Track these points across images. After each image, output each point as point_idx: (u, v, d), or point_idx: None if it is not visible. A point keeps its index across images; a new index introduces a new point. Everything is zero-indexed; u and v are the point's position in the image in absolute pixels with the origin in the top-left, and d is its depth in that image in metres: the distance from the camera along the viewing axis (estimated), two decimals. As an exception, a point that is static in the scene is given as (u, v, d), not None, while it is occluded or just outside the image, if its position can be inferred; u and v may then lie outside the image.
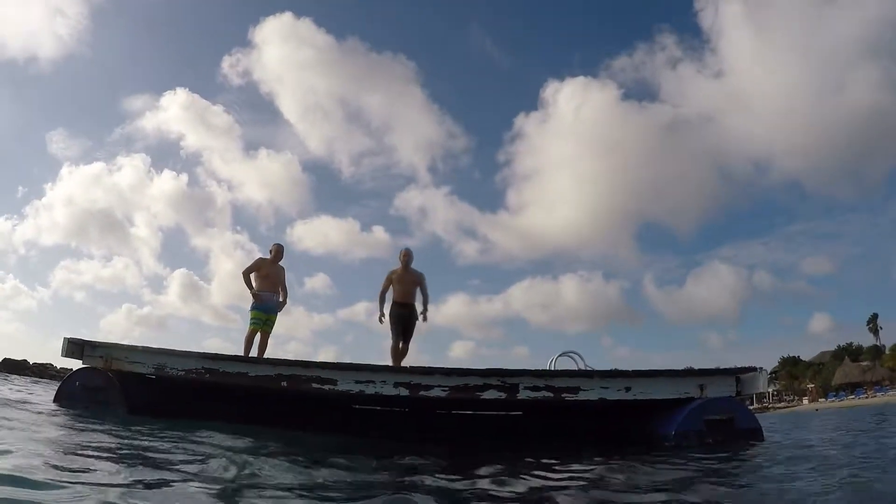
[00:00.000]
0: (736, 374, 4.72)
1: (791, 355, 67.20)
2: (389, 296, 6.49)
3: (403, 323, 6.46)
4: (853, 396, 45.06)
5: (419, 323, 6.52)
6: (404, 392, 4.36)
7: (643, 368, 4.70)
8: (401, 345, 6.38)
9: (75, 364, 5.66)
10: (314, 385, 4.48)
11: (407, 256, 6.66)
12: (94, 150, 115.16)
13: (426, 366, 4.48)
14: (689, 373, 4.67)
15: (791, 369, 64.23)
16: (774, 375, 64.87)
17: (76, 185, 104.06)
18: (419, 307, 6.56)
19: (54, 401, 5.49)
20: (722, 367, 4.93)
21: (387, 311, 6.38)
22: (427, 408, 4.64)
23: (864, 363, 55.26)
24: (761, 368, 4.87)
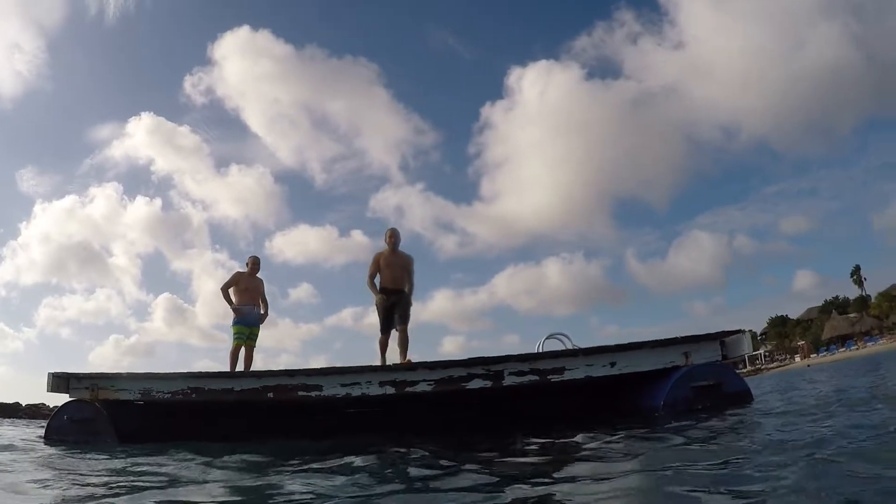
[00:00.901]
0: (720, 338, 4.74)
1: (779, 315, 67.89)
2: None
3: (393, 310, 5.97)
4: (844, 349, 45.55)
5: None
6: (391, 390, 4.35)
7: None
8: (398, 330, 5.86)
9: (64, 398, 5.61)
10: (300, 393, 4.47)
11: (394, 237, 6.21)
12: (65, 183, 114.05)
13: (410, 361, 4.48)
14: (672, 342, 4.68)
15: (780, 329, 64.89)
16: (764, 336, 65.51)
17: (51, 221, 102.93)
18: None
19: (44, 437, 5.43)
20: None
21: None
22: (415, 403, 4.62)
23: (852, 315, 55.79)
24: (745, 330, 4.89)
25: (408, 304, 6.01)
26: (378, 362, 5.68)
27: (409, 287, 6.10)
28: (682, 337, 4.71)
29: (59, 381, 5.49)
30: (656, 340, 4.67)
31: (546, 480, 2.07)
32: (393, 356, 5.74)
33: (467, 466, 2.51)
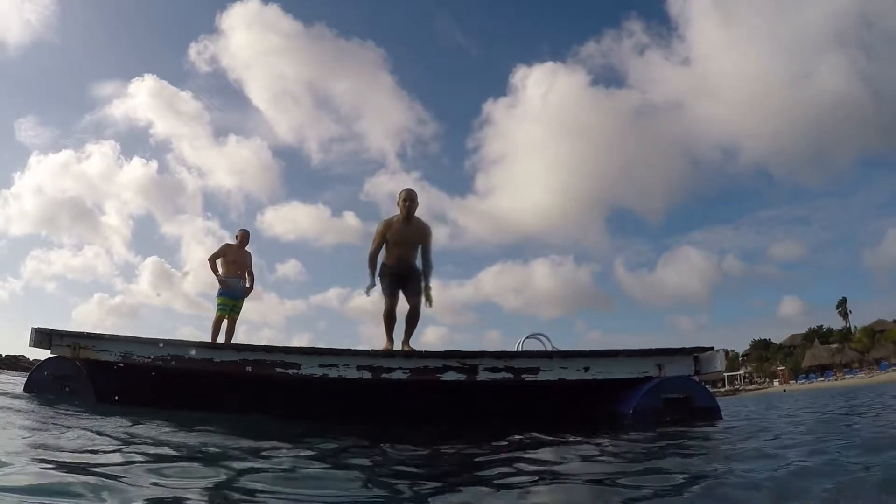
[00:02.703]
0: (693, 353, 4.82)
1: (762, 338, 68.50)
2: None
3: (401, 281, 5.12)
4: (822, 378, 45.96)
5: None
6: (367, 375, 4.43)
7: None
8: (408, 303, 5.17)
9: (46, 354, 5.68)
10: (278, 370, 4.54)
11: (409, 201, 4.98)
12: (63, 137, 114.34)
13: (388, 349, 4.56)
14: (647, 352, 4.76)
15: (762, 352, 65.48)
16: (745, 358, 66.00)
17: (45, 174, 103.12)
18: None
19: (24, 390, 5.52)
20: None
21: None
22: (389, 389, 4.70)
23: (834, 345, 56.32)
24: (718, 348, 4.98)
25: (419, 281, 5.23)
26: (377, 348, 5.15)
27: (426, 272, 5.17)
28: (656, 349, 4.79)
29: (42, 337, 5.55)
30: (631, 350, 4.76)
31: (485, 477, 2.14)
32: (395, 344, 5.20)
33: (413, 460, 2.58)
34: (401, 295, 5.20)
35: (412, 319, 5.18)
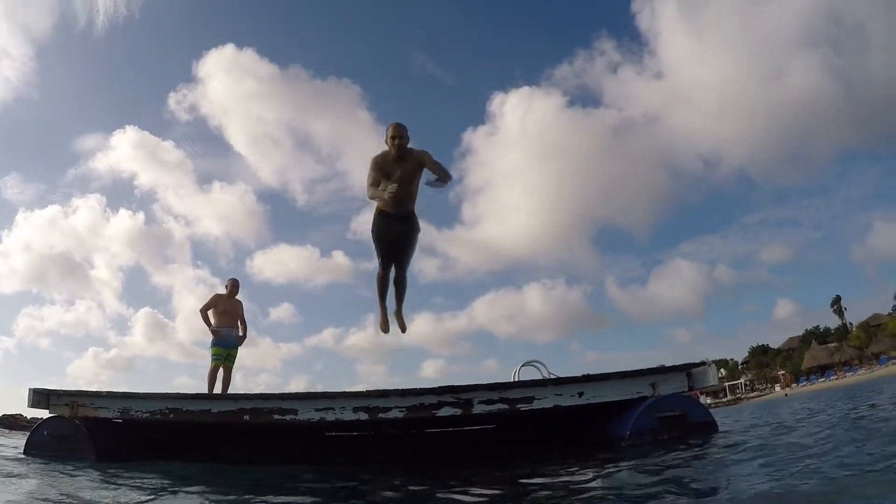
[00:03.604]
0: (686, 369, 4.89)
1: (760, 344, 68.57)
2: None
3: (394, 239, 4.79)
4: (823, 379, 45.90)
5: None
6: (363, 416, 4.46)
7: (608, 371, 4.84)
8: (394, 270, 4.91)
9: (44, 413, 5.69)
10: (276, 416, 4.57)
11: (397, 137, 4.46)
12: (49, 193, 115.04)
13: (382, 389, 4.60)
14: (639, 373, 4.82)
15: (761, 358, 65.32)
16: (745, 365, 65.83)
17: (33, 230, 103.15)
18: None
19: (24, 451, 5.50)
20: (679, 363, 5.09)
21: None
22: (387, 429, 4.74)
23: (832, 345, 56.36)
24: (710, 361, 5.06)
25: (414, 241, 4.92)
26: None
27: (441, 173, 4.50)
28: (649, 368, 4.85)
29: (40, 397, 5.57)
30: (624, 371, 4.82)
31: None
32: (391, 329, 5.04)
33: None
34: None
35: (400, 293, 5.03)
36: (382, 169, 4.48)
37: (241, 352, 6.46)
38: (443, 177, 4.50)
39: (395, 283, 5.01)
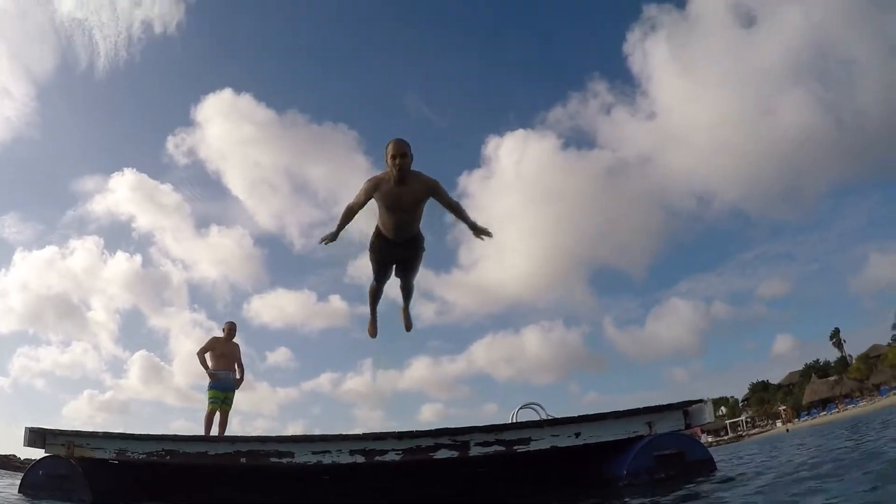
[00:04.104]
0: (683, 407, 4.90)
1: (760, 380, 68.14)
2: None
3: (394, 262, 4.60)
4: (825, 413, 45.69)
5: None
6: (360, 459, 4.46)
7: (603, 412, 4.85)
8: (404, 279, 4.77)
9: (39, 453, 5.66)
10: (272, 459, 4.56)
11: (398, 156, 3.87)
12: (47, 233, 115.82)
13: (378, 431, 4.61)
14: (635, 412, 4.84)
15: (762, 394, 64.89)
16: (746, 402, 65.41)
17: (30, 270, 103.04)
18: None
19: (19, 490, 5.48)
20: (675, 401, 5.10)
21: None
22: (383, 471, 4.73)
23: (832, 378, 56.13)
24: (707, 399, 5.06)
25: (418, 262, 4.66)
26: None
27: (458, 208, 4.22)
28: (645, 407, 4.87)
29: (36, 436, 5.55)
30: (620, 411, 4.83)
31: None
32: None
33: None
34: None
35: (406, 294, 4.90)
36: (378, 195, 4.03)
37: (238, 396, 6.48)
38: (465, 219, 4.28)
39: (401, 288, 4.87)
